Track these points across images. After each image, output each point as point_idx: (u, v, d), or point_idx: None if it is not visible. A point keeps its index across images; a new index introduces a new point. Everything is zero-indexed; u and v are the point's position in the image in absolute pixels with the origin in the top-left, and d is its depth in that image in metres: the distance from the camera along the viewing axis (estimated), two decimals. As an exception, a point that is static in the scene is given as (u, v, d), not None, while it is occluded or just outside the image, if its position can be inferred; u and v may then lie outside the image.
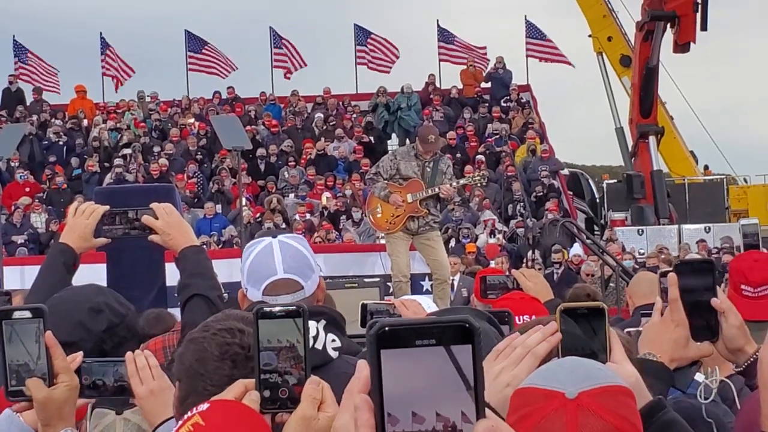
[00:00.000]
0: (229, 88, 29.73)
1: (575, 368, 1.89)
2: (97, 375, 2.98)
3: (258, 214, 22.45)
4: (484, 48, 31.04)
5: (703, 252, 20.41)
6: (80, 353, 2.87)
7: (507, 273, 5.41)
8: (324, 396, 2.02)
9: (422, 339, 1.17)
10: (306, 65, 31.64)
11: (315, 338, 3.18)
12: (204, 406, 1.97)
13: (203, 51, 31.39)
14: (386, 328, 1.17)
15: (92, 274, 6.03)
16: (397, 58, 31.08)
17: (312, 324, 3.20)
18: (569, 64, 31.14)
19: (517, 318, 3.89)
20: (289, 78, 31.20)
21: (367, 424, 1.23)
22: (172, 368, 2.52)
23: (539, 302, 4.67)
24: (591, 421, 1.79)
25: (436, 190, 11.50)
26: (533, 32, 30.82)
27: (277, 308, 2.11)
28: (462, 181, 12.20)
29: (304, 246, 3.50)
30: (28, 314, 2.67)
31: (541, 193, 23.99)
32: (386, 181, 11.62)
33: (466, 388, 1.19)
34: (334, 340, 3.21)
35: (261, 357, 2.09)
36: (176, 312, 4.72)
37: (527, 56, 30.67)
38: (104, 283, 7.91)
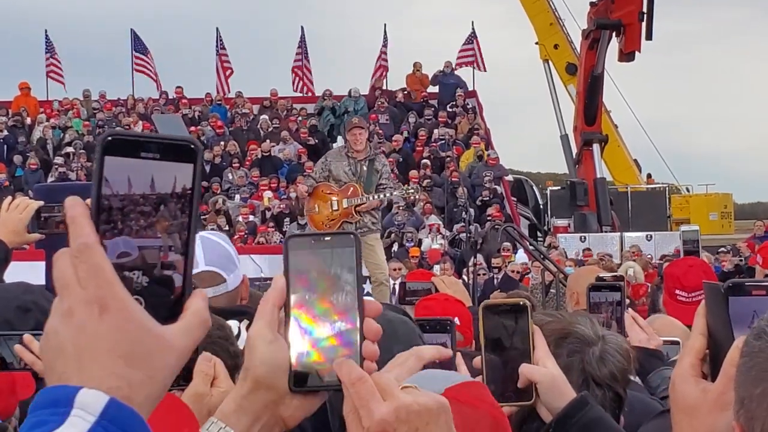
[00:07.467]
0: (177, 87, 29.55)
1: (434, 376, 1.91)
2: None
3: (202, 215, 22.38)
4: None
5: (647, 256, 20.33)
6: None
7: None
8: (217, 371, 1.99)
9: (146, 152, 1.20)
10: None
11: (237, 337, 3.18)
12: None
13: (148, 55, 31.32)
14: (110, 137, 1.19)
15: (34, 272, 5.98)
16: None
17: (234, 324, 3.20)
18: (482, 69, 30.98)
19: None
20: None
21: (81, 214, 1.20)
22: None
23: (463, 304, 4.67)
24: (464, 410, 1.78)
25: (371, 198, 11.46)
26: (471, 38, 30.82)
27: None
28: (396, 193, 12.19)
29: (226, 242, 3.55)
30: None
31: (485, 199, 24.08)
32: (317, 182, 11.54)
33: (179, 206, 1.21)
34: None
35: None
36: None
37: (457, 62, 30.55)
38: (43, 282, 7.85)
